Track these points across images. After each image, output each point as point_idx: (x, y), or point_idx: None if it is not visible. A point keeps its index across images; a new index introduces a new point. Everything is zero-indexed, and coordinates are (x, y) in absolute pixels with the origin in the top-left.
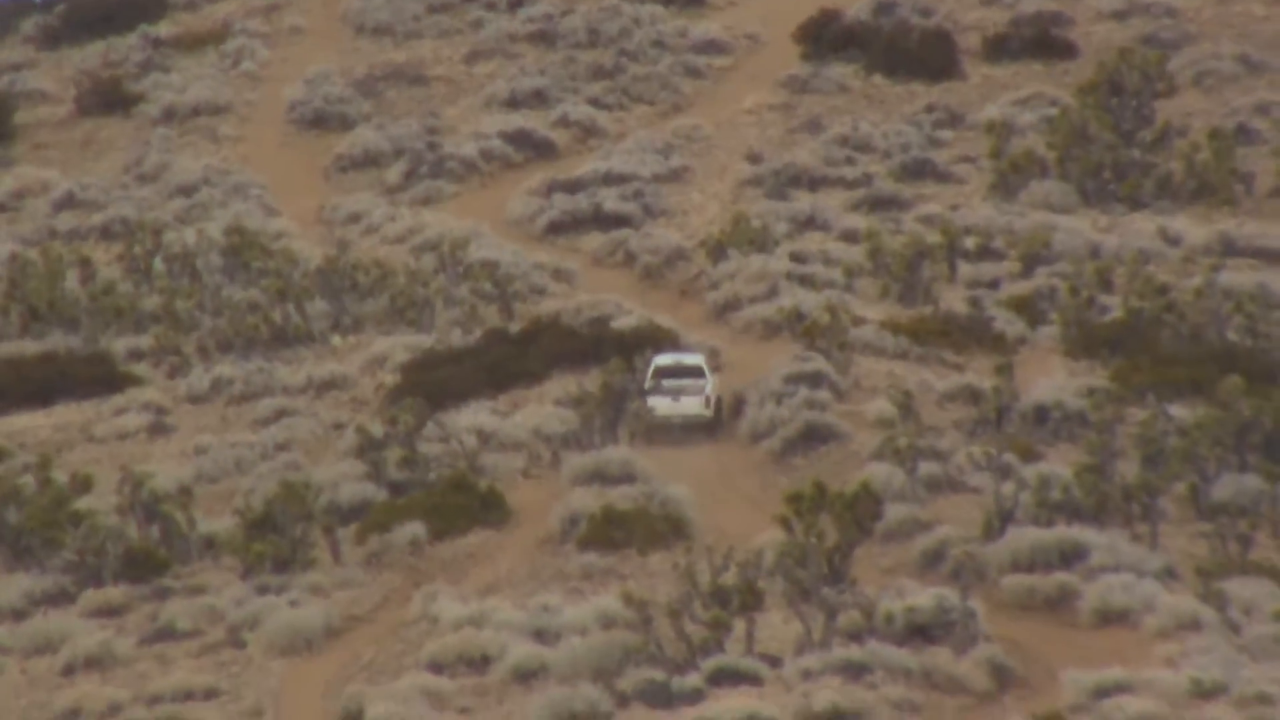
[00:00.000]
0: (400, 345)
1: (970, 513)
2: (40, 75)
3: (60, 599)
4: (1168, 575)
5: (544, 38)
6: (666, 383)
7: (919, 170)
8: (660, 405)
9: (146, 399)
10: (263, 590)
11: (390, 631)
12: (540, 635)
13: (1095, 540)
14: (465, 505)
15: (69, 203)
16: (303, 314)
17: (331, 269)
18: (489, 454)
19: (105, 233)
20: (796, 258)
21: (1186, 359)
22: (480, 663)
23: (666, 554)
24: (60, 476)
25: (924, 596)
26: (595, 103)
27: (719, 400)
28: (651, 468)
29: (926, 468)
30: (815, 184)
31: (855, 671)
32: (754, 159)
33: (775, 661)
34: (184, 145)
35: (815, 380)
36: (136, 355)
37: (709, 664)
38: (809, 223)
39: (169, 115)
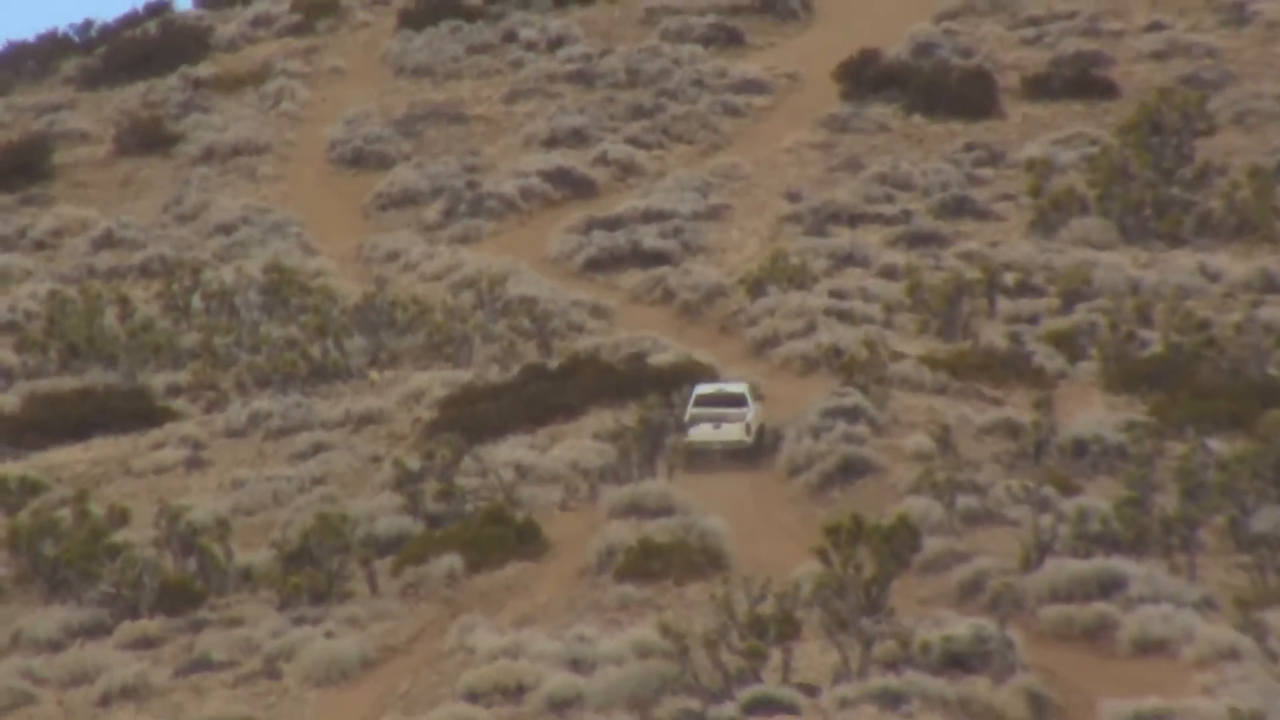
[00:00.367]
0: (438, 380)
1: (1008, 545)
2: (80, 115)
3: (97, 631)
4: (1206, 606)
5: (583, 77)
6: (708, 410)
7: (958, 208)
8: (701, 432)
9: (184, 433)
10: (299, 621)
11: (426, 662)
12: (576, 665)
13: (1133, 571)
14: (502, 537)
15: (108, 241)
16: (340, 350)
17: (369, 305)
18: (526, 487)
19: (144, 271)
20: (835, 294)
21: (1226, 393)
22: (516, 692)
23: (703, 585)
24: (97, 509)
25: (961, 626)
26: (634, 141)
27: (761, 428)
28: (689, 500)
29: (964, 501)
30: (854, 221)
31: (892, 701)
32: (793, 197)
33: (812, 691)
34: (223, 185)
35: (853, 415)
36: (174, 391)
37: (745, 694)
38: (848, 259)
39: (208, 155)
